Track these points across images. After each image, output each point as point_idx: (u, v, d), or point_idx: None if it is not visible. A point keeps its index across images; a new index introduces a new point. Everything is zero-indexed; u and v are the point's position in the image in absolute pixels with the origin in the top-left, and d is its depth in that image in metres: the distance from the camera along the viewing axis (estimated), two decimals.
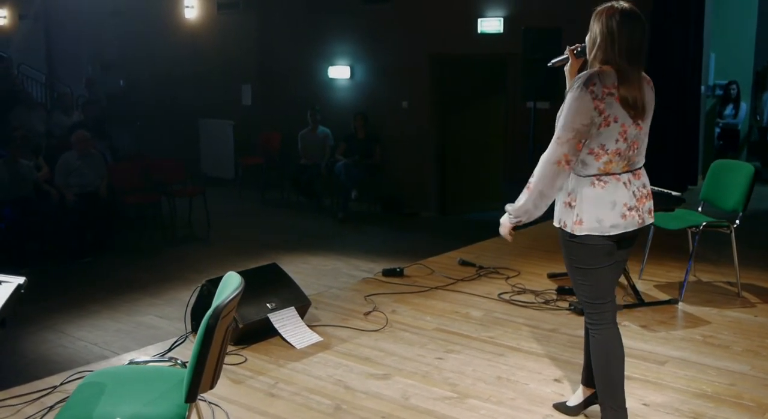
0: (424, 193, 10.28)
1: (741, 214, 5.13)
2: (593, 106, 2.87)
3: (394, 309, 5.02)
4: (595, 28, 2.94)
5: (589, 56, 2.99)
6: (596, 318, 3.11)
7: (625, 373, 3.94)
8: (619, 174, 2.99)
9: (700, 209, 5.53)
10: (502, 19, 9.15)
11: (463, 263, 5.99)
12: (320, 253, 8.14)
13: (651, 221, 3.13)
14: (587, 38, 3.02)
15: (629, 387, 3.81)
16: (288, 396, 3.74)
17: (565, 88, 3.07)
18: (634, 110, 2.92)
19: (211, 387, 2.60)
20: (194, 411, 2.72)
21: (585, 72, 2.96)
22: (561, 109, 2.99)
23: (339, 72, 10.83)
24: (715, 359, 4.18)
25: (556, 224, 3.12)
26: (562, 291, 5.21)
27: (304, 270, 7.38)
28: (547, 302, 5.09)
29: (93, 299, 6.65)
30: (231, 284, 2.62)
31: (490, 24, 9.26)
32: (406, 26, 10.05)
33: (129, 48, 12.99)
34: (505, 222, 3.12)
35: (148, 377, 2.76)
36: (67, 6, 13.09)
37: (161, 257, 8.37)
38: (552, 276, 5.61)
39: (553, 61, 3.33)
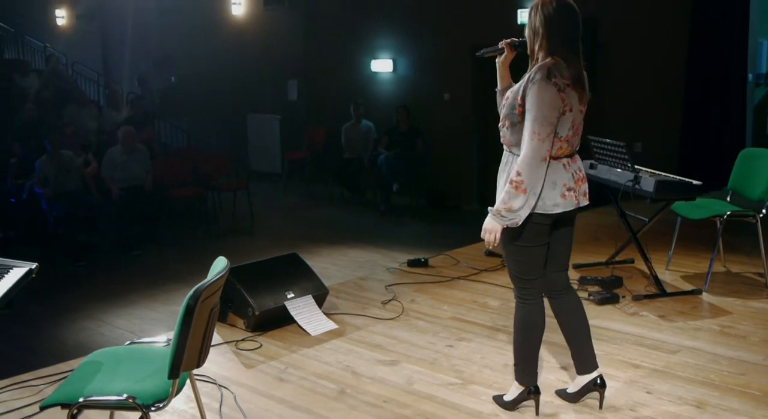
0: (466, 186, 10.29)
1: (767, 203, 5.03)
2: (560, 97, 3.00)
3: (413, 299, 5.09)
4: (535, 20, 3.07)
5: (534, 47, 3.08)
6: (525, 293, 3.28)
7: (634, 362, 3.98)
8: (561, 157, 3.13)
9: (728, 198, 5.44)
10: None
11: (489, 254, 6.00)
12: (359, 246, 8.22)
13: (586, 202, 3.25)
14: (526, 32, 3.12)
15: (636, 376, 3.82)
16: (296, 381, 3.85)
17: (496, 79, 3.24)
18: (583, 90, 3.08)
19: (198, 366, 2.71)
20: (179, 387, 2.84)
21: (542, 64, 3.03)
22: (506, 99, 3.14)
23: (382, 66, 10.90)
24: (729, 349, 4.13)
25: None
26: (583, 282, 5.19)
27: (340, 262, 7.49)
28: None
29: (134, 290, 6.88)
30: (217, 267, 2.73)
31: None
32: (446, 18, 10.06)
33: (179, 45, 13.30)
34: (497, 227, 3.07)
35: (144, 356, 2.90)
36: (121, 5, 13.48)
37: (204, 249, 8.57)
38: (576, 267, 5.60)
39: (484, 50, 3.37)
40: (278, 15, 12.00)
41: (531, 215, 3.08)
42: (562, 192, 3.12)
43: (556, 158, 3.10)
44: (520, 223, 3.05)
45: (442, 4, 10.09)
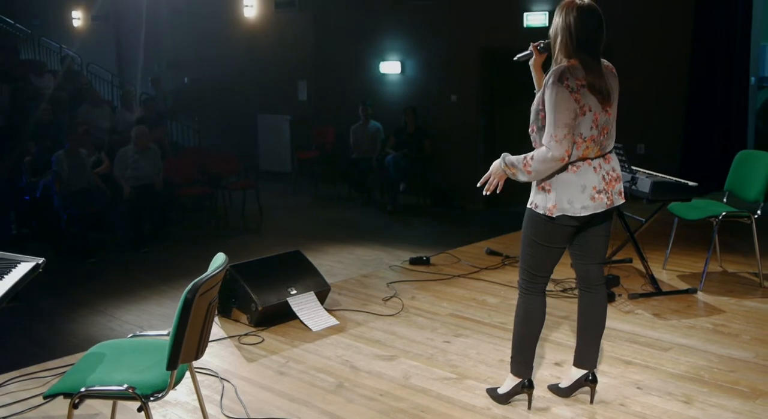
0: (472, 186, 10.24)
1: (762, 204, 5.11)
2: (573, 99, 3.07)
3: (414, 296, 5.20)
4: (556, 23, 3.13)
5: (554, 50, 3.17)
6: (530, 286, 3.36)
7: (626, 358, 4.07)
8: (592, 159, 3.18)
9: (725, 199, 5.51)
10: (547, 12, 9.18)
11: (490, 253, 6.11)
12: (366, 244, 8.33)
13: (621, 201, 3.31)
14: (550, 33, 3.19)
15: (627, 372, 3.90)
16: (295, 374, 3.97)
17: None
18: (601, 95, 3.11)
19: (197, 358, 2.83)
20: (178, 379, 2.96)
21: (556, 68, 3.12)
22: (535, 104, 3.20)
23: (390, 67, 11.03)
24: (721, 346, 4.21)
25: (528, 205, 3.31)
26: None
27: (346, 260, 7.60)
28: (565, 290, 5.18)
29: (144, 286, 7.03)
30: (216, 262, 2.84)
31: (536, 18, 9.30)
32: (454, 21, 10.17)
33: (192, 47, 13.48)
34: (501, 174, 3.32)
35: (145, 348, 3.02)
36: (135, 7, 13.67)
37: (213, 247, 8.52)
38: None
39: (518, 56, 3.44)
40: (289, 17, 12.14)
41: (559, 216, 3.18)
42: (592, 195, 3.18)
43: (584, 159, 3.16)
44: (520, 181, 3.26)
45: (449, 7, 10.20)
